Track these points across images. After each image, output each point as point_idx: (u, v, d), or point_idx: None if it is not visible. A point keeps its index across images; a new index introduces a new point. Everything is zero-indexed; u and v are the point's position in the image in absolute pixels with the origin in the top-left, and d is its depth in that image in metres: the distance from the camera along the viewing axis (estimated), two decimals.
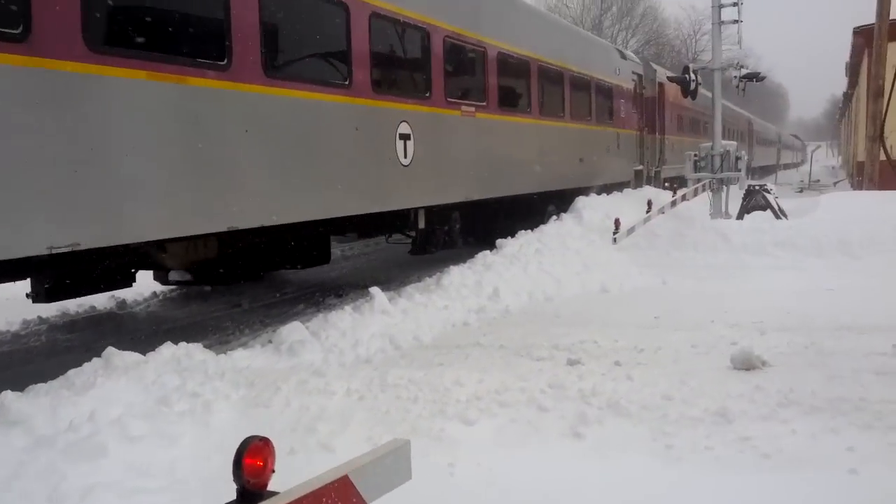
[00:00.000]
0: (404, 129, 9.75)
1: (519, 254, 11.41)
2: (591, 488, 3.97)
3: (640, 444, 4.37)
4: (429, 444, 4.47)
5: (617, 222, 12.19)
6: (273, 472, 2.26)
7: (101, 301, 10.06)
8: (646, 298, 10.11)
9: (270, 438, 2.35)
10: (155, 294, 10.85)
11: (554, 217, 13.82)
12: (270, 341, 7.44)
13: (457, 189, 11.45)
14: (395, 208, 9.92)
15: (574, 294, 10.49)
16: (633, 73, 20.07)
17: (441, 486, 4.06)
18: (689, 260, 12.42)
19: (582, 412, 4.70)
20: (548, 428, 4.59)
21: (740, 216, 15.48)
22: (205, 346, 8.08)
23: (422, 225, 11.03)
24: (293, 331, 7.52)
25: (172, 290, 10.96)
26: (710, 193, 15.50)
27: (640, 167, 20.28)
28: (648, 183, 20.25)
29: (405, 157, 9.72)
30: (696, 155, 15.73)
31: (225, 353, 6.33)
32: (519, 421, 4.70)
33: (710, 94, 17.06)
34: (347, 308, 8.29)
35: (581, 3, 58.94)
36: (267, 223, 7.52)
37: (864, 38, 23.72)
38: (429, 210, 11.07)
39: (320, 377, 5.38)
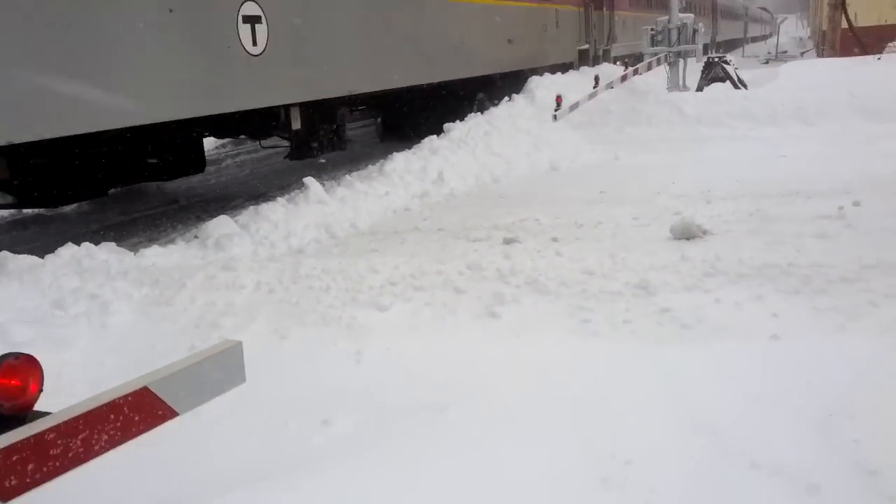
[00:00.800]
0: (251, 9, 7.61)
1: (467, 137, 11.03)
2: (500, 366, 3.77)
3: (556, 321, 4.16)
4: (338, 332, 4.25)
5: (558, 99, 11.73)
6: (41, 391, 1.95)
7: None
8: (595, 175, 9.85)
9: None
10: None
11: (506, 98, 13.33)
12: (196, 237, 7.12)
13: (337, 81, 9.27)
14: (244, 108, 7.79)
15: (522, 174, 10.20)
16: None
17: (346, 373, 3.85)
18: (643, 135, 12.12)
19: (499, 292, 4.46)
20: (463, 310, 4.37)
21: (700, 88, 15.10)
22: (133, 245, 7.80)
23: (297, 125, 9.24)
24: (220, 224, 7.21)
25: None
26: (668, 67, 15.04)
27: (586, 46, 18.77)
28: (596, 63, 18.97)
29: (254, 44, 7.60)
30: (653, 29, 15.18)
31: (137, 251, 5.99)
32: (434, 304, 4.46)
33: None
34: (280, 199, 7.96)
35: None
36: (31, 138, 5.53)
37: None
38: (306, 107, 9.33)
39: (230, 271, 5.10)
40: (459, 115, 12.23)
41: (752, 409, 3.19)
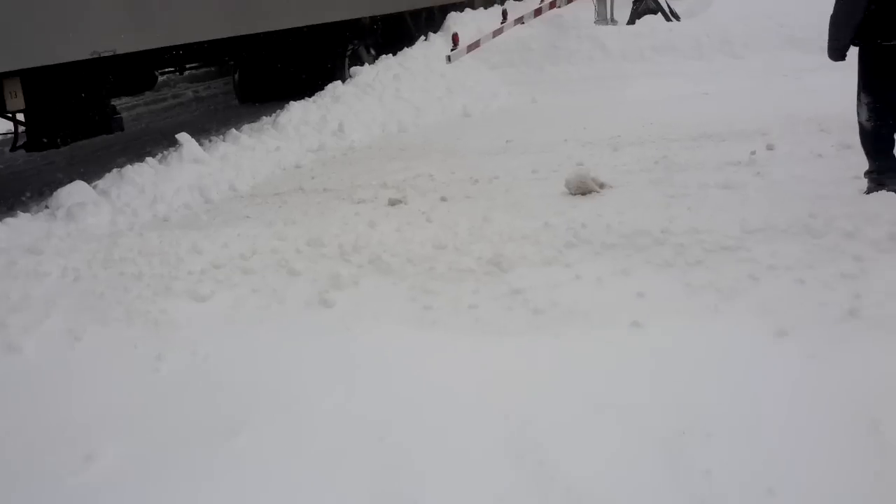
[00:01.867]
0: None
1: (374, 82, 10.27)
2: (320, 369, 3.20)
3: (395, 308, 3.58)
4: (142, 330, 3.63)
5: (455, 38, 10.81)
6: None
7: None
8: (507, 120, 9.23)
9: None
10: None
11: (422, 38, 12.52)
12: (47, 207, 6.39)
13: (74, 37, 6.39)
14: None
15: (432, 121, 9.53)
16: None
17: (136, 386, 3.25)
18: (564, 74, 11.47)
19: (336, 273, 3.86)
20: (293, 296, 3.76)
21: (631, 22, 14.38)
22: None
23: (18, 104, 6.61)
24: (74, 192, 6.47)
25: None
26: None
27: None
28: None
29: None
30: None
31: None
32: (262, 290, 3.85)
33: None
34: (150, 160, 7.22)
35: None
36: None
37: None
38: (34, 78, 6.75)
39: (34, 255, 4.41)
40: (330, 69, 10.87)
41: (593, 424, 2.67)
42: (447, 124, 9.33)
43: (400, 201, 6.06)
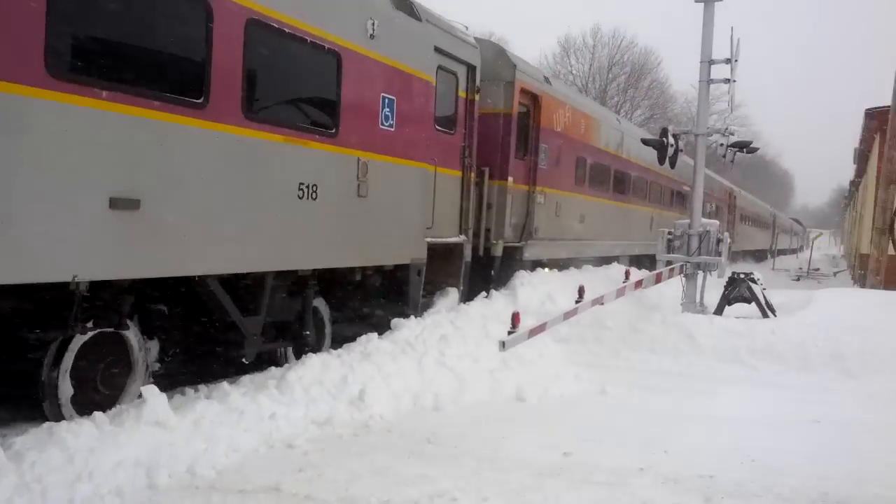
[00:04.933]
0: None
1: (417, 340, 8.71)
2: None
3: None
4: None
5: (515, 318, 8.63)
6: None
7: None
8: (569, 416, 7.45)
9: None
10: None
11: (483, 294, 11.10)
12: None
13: None
14: None
15: (476, 400, 7.81)
16: (447, 55, 10.11)
17: None
18: (643, 363, 9.77)
19: None
20: None
21: (719, 309, 12.83)
22: None
23: None
24: None
25: None
26: (684, 280, 12.83)
27: (458, 239, 10.83)
28: (487, 267, 11.99)
29: None
30: (670, 232, 13.08)
31: None
32: None
33: (691, 162, 14.49)
34: (100, 415, 5.60)
35: (587, 72, 56.71)
36: None
37: (878, 121, 21.06)
38: None
39: None
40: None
41: None
42: (493, 410, 7.56)
43: None
